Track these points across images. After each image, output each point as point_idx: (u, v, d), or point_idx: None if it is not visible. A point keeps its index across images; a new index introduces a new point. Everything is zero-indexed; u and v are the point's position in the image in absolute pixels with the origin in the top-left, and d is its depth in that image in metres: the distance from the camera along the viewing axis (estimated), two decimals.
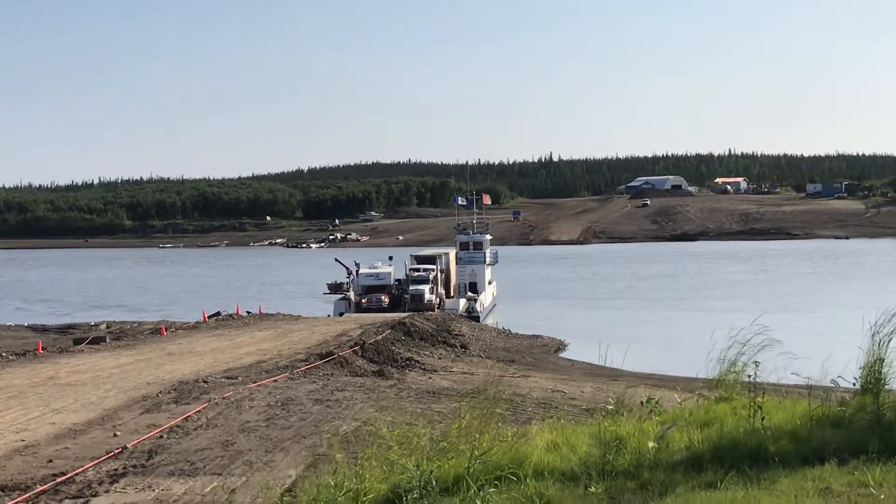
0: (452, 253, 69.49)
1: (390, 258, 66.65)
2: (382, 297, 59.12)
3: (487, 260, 70.56)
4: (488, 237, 73.99)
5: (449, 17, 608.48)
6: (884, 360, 12.31)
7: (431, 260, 65.30)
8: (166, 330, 44.31)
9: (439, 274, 63.46)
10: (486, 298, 67.01)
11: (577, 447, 11.34)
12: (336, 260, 68.98)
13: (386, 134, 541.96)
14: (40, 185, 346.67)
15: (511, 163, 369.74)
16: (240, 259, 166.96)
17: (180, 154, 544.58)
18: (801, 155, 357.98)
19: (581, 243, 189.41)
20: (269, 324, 47.43)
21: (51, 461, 15.86)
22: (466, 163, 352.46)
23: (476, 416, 11.16)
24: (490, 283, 71.59)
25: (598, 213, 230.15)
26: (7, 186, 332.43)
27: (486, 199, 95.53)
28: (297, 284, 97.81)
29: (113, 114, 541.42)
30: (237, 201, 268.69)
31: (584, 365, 39.59)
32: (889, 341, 12.37)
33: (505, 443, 11.08)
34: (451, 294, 65.36)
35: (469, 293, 65.09)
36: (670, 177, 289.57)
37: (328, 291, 65.97)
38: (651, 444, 11.02)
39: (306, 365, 29.15)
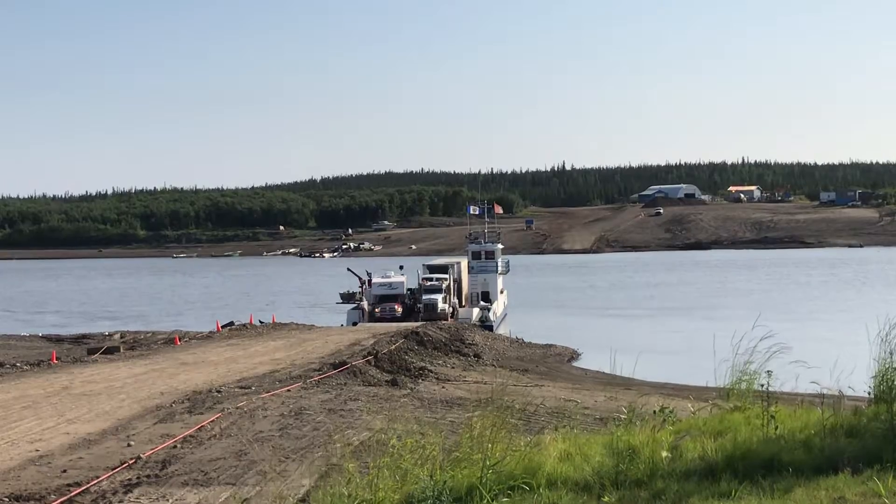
0: (464, 262, 69.50)
1: (401, 267, 66.72)
2: (396, 307, 59.17)
3: (499, 269, 70.58)
4: (500, 246, 74.00)
5: (460, 25, 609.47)
6: None
7: (444, 269, 65.29)
8: (180, 340, 44.43)
9: (452, 283, 63.48)
10: (498, 307, 67.01)
11: (591, 457, 11.33)
12: (348, 269, 69.09)
13: (399, 143, 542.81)
14: (54, 196, 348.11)
15: (524, 172, 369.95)
16: (253, 268, 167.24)
17: (194, 164, 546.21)
18: (815, 163, 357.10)
19: (594, 252, 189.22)
20: (283, 333, 47.50)
21: (65, 471, 15.92)
22: (479, 172, 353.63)
23: (489, 425, 11.17)
24: (502, 291, 71.60)
25: (611, 222, 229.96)
26: (22, 197, 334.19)
27: (498, 209, 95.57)
28: (308, 294, 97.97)
29: (127, 124, 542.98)
30: (250, 211, 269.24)
31: (597, 374, 39.55)
32: None
33: (518, 452, 11.08)
34: (464, 303, 65.38)
35: (482, 302, 65.11)
36: (683, 185, 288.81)
37: (341, 301, 66.13)
38: (665, 453, 11.00)
39: (319, 375, 29.19)
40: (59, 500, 13.84)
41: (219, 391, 25.26)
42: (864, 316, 14.36)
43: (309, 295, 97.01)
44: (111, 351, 39.76)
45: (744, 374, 13.73)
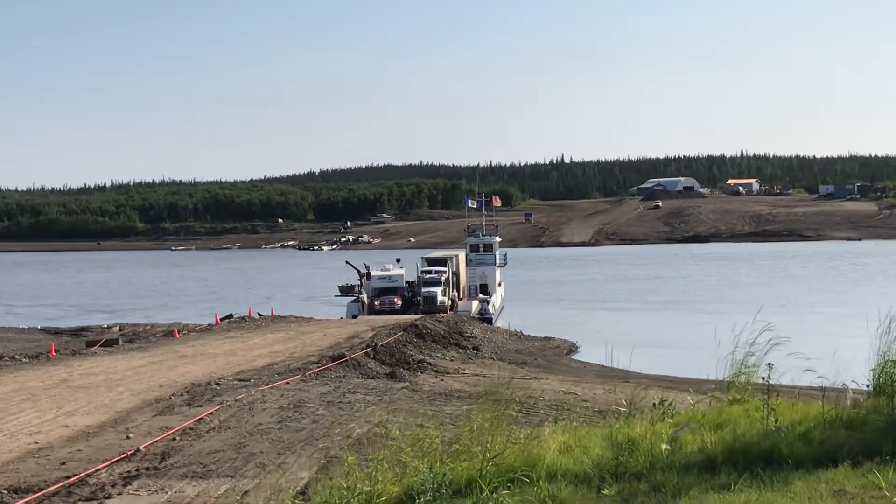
0: (462, 255, 69.49)
1: (398, 260, 66.76)
2: (395, 300, 59.19)
3: (497, 262, 70.60)
4: (498, 239, 73.99)
5: (459, 19, 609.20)
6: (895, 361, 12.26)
7: (442, 262, 65.25)
8: (179, 332, 44.41)
9: (451, 276, 63.49)
10: (496, 300, 67.05)
11: (590, 449, 11.33)
12: (347, 262, 69.09)
13: (397, 136, 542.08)
14: (53, 188, 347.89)
15: (523, 165, 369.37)
16: (251, 261, 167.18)
17: (192, 156, 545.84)
18: (814, 156, 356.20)
19: (593, 245, 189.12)
20: (282, 326, 47.46)
21: (64, 463, 15.93)
22: (478, 165, 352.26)
23: (488, 418, 11.16)
24: (499, 284, 71.64)
25: (609, 215, 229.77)
26: (20, 189, 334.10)
27: (497, 201, 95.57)
28: (307, 287, 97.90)
29: (125, 116, 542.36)
30: (249, 203, 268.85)
31: (596, 367, 39.55)
32: None
33: (517, 445, 11.08)
34: (461, 296, 65.40)
35: (480, 295, 65.15)
36: (682, 178, 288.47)
37: (339, 294, 66.14)
38: (664, 446, 11.00)
39: (318, 367, 29.20)
40: (57, 492, 13.83)
41: (217, 384, 25.27)
42: (863, 309, 14.33)
43: (307, 288, 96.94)
44: (110, 343, 39.78)
45: (743, 366, 13.72)
